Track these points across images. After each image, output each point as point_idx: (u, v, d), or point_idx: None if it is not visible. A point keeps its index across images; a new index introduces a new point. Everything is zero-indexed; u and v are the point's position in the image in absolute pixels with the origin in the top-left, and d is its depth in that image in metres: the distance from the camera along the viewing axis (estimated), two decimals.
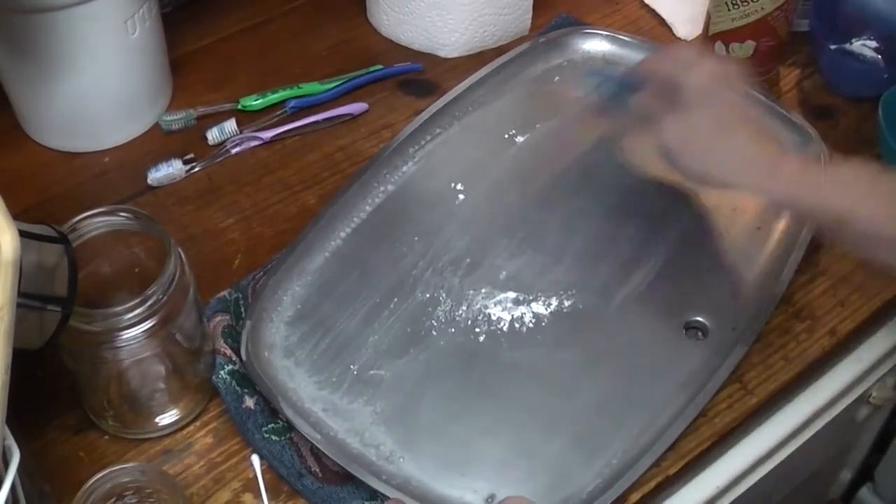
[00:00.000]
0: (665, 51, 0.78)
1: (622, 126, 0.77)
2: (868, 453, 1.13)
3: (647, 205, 0.81)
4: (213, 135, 0.86)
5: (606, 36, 0.92)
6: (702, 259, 0.78)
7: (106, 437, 0.68)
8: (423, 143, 0.84)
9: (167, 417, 0.68)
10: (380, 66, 0.92)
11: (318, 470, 0.66)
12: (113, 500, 0.60)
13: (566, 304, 0.74)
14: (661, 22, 0.99)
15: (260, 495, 0.65)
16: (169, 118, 0.87)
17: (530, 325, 0.73)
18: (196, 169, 0.84)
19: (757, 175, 0.68)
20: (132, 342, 0.61)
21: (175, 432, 0.69)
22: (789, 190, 0.67)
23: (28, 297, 0.55)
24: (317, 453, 0.66)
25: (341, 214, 0.79)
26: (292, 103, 0.89)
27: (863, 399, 0.88)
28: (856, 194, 0.65)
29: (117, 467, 0.60)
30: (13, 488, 0.52)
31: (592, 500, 0.64)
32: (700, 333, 0.73)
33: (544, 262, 0.77)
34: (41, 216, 0.69)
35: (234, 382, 0.69)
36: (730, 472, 0.74)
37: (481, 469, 0.66)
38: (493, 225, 0.79)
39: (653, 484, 0.67)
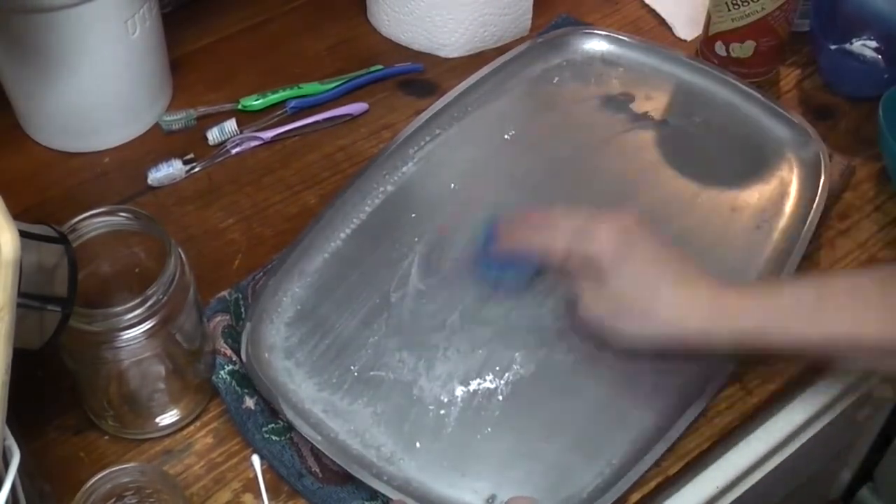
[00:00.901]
0: (550, 226, 0.69)
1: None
2: (868, 453, 1.13)
3: (647, 204, 0.81)
4: (213, 135, 0.86)
5: (606, 36, 0.92)
6: (701, 259, 0.77)
7: (106, 437, 0.68)
8: (422, 143, 0.84)
9: (167, 418, 0.68)
10: (380, 66, 0.92)
11: (318, 470, 0.66)
12: (113, 500, 0.60)
13: (566, 303, 0.74)
14: (661, 22, 0.99)
15: (260, 495, 0.65)
16: (169, 118, 0.87)
17: (530, 325, 0.73)
18: (196, 169, 0.84)
19: (702, 315, 0.64)
20: (132, 342, 0.61)
21: (175, 432, 0.69)
22: (744, 322, 0.64)
23: (28, 297, 0.55)
24: (317, 453, 0.66)
25: (341, 215, 0.79)
26: (292, 103, 0.89)
27: (863, 399, 0.88)
28: (839, 310, 0.62)
29: (117, 467, 0.60)
30: (13, 488, 0.51)
31: (593, 500, 0.64)
32: None
33: None
34: (41, 216, 0.69)
35: (234, 382, 0.69)
36: (730, 472, 0.74)
37: (482, 469, 0.66)
38: None
39: (653, 484, 0.67)
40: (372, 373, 0.71)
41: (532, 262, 0.71)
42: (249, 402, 0.68)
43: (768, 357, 0.71)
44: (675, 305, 0.65)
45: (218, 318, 0.72)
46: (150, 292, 0.61)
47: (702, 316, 0.64)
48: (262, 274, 0.75)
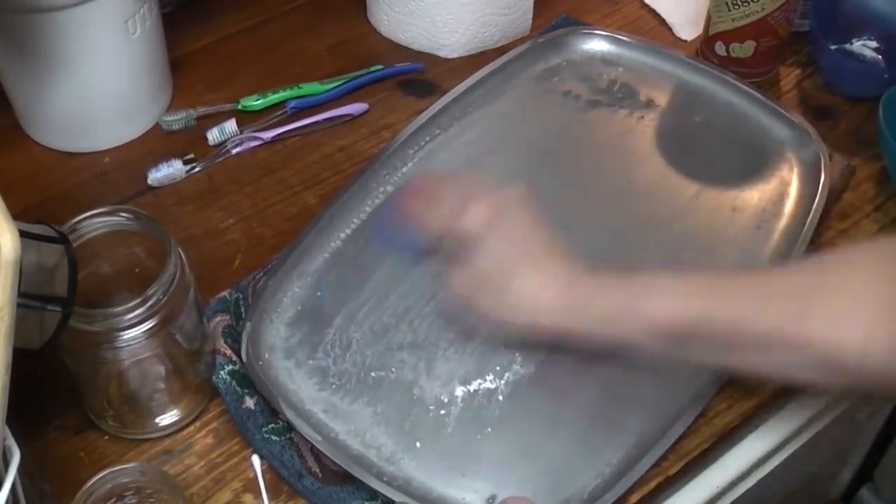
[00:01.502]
0: (435, 201, 0.69)
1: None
2: (868, 453, 1.13)
3: (647, 205, 0.81)
4: (213, 135, 0.86)
5: (606, 36, 0.92)
6: (702, 259, 0.78)
7: (106, 437, 0.68)
8: (422, 143, 0.84)
9: (167, 418, 0.68)
10: (380, 66, 0.92)
11: (318, 470, 0.66)
12: (113, 500, 0.60)
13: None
14: (661, 22, 0.99)
15: (260, 495, 0.65)
16: (169, 118, 0.87)
17: None
18: (196, 169, 0.84)
19: (554, 296, 0.63)
20: (132, 342, 0.61)
21: (175, 432, 0.69)
22: (594, 306, 0.62)
23: (28, 297, 0.55)
24: (317, 453, 0.66)
25: (341, 215, 0.79)
26: (293, 103, 0.89)
27: (863, 399, 0.88)
28: (696, 297, 0.60)
29: (117, 468, 0.60)
30: (13, 488, 0.51)
31: (593, 500, 0.64)
32: None
33: None
34: (41, 216, 0.69)
35: (234, 383, 0.69)
36: (730, 472, 0.74)
37: (482, 469, 0.66)
38: None
39: (653, 484, 0.67)
40: (372, 373, 0.71)
41: (417, 237, 0.71)
42: (249, 402, 0.68)
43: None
44: (529, 284, 0.64)
45: (218, 318, 0.72)
46: (150, 292, 0.61)
47: (553, 297, 0.63)
48: (262, 274, 0.75)
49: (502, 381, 0.70)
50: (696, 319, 0.60)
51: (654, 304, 0.61)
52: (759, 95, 0.87)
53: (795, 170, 0.83)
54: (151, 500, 0.61)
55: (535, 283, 0.64)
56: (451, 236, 0.67)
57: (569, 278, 0.64)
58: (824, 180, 0.80)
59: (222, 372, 0.69)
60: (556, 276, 0.64)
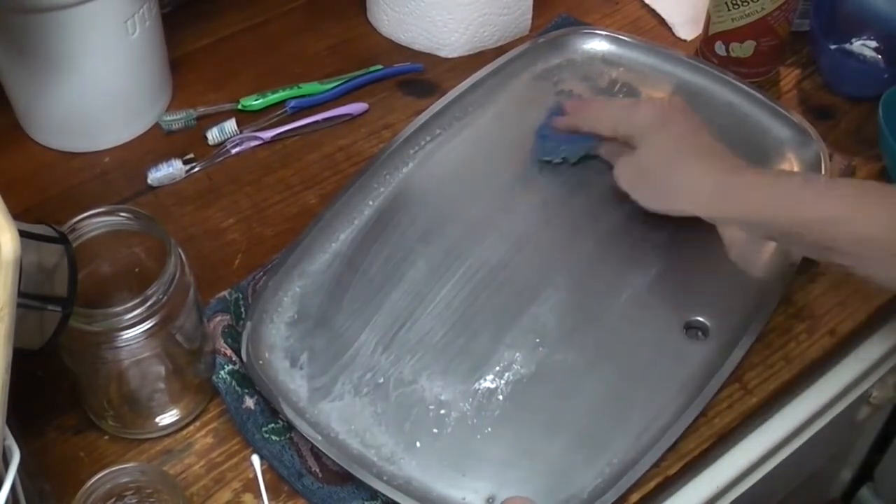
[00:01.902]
0: (604, 108, 0.80)
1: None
2: (868, 453, 1.13)
3: None
4: (213, 135, 0.86)
5: (606, 36, 0.92)
6: (702, 259, 0.78)
7: (106, 437, 0.68)
8: (423, 143, 0.84)
9: (167, 417, 0.68)
10: (380, 66, 0.92)
11: (318, 470, 0.66)
12: (113, 500, 0.60)
13: (567, 303, 0.74)
14: (661, 22, 0.99)
15: (260, 495, 0.65)
16: (169, 118, 0.87)
17: (530, 325, 0.73)
18: (196, 169, 0.84)
19: (712, 189, 0.70)
20: (132, 342, 0.61)
21: (175, 432, 0.69)
22: (745, 207, 0.68)
23: (28, 297, 0.55)
24: (317, 453, 0.66)
25: (341, 215, 0.79)
26: (292, 103, 0.89)
27: (863, 399, 0.88)
28: (833, 201, 0.65)
29: (117, 467, 0.60)
30: (13, 488, 0.51)
31: (593, 500, 0.64)
32: (700, 333, 0.73)
33: (544, 262, 0.77)
34: (41, 216, 0.69)
35: (234, 382, 0.69)
36: (730, 472, 0.74)
37: (482, 469, 0.66)
38: (493, 226, 0.79)
39: (653, 484, 0.67)
40: (372, 372, 0.71)
41: (585, 141, 0.81)
42: (249, 402, 0.68)
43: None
44: (688, 178, 0.71)
45: (218, 318, 0.72)
46: (150, 292, 0.61)
47: (712, 190, 0.69)
48: (262, 274, 0.75)
49: (502, 381, 0.70)
50: (846, 223, 0.64)
51: (804, 204, 0.66)
52: (759, 95, 0.87)
53: (796, 170, 0.83)
54: (151, 499, 0.61)
55: (694, 173, 0.71)
56: (621, 135, 0.75)
57: (726, 171, 0.70)
58: None
59: (222, 372, 0.69)
60: (713, 169, 0.70)
